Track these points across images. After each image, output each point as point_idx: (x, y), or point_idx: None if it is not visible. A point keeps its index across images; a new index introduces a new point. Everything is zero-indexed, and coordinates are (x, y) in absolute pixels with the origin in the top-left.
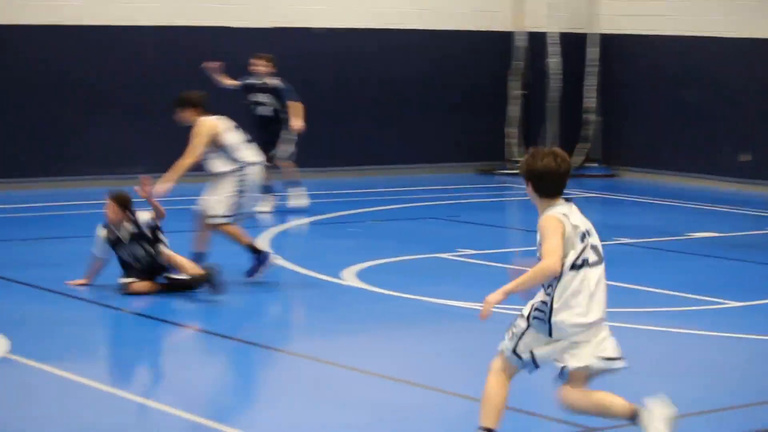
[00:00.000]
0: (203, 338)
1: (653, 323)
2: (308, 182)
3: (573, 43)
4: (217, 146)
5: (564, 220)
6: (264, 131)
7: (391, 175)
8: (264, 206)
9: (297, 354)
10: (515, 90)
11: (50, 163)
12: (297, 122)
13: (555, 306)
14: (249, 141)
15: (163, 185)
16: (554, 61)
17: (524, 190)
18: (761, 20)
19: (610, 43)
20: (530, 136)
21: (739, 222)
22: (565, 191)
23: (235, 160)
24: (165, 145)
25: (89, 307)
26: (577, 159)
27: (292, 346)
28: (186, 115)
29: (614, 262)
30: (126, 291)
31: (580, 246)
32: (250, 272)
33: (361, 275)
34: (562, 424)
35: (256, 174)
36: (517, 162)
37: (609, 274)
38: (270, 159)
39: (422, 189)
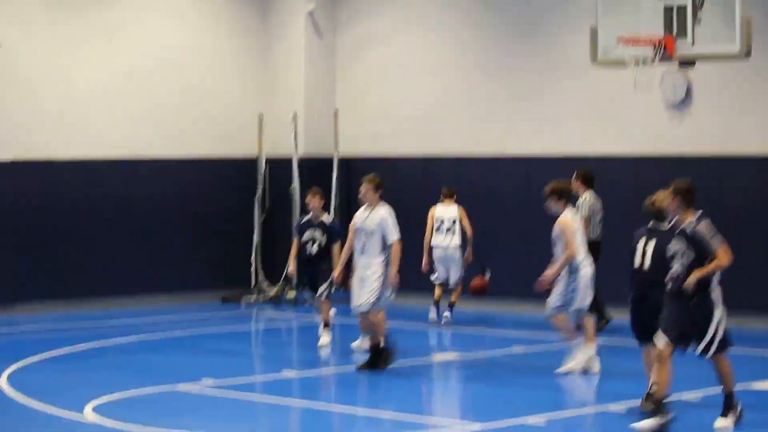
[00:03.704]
0: None
1: None
2: (51, 315)
3: (314, 167)
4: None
5: None
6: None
7: (133, 305)
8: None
9: None
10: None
11: None
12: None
13: None
14: None
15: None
16: (294, 186)
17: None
18: None
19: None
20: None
21: None
22: None
23: None
24: None
25: None
26: None
27: None
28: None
29: None
30: None
31: None
32: None
33: (101, 410)
34: None
35: None
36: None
37: None
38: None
39: (164, 319)
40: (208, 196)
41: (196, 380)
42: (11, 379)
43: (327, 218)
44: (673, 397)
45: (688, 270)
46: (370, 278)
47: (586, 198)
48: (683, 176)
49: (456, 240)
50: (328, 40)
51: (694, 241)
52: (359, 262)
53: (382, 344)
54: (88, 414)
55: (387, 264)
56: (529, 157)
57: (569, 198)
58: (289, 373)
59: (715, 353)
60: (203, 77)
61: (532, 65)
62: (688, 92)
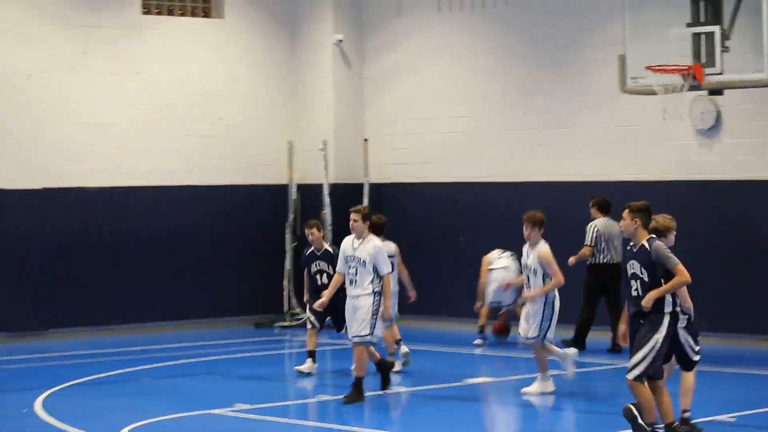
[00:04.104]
0: None
1: None
2: (84, 341)
3: (345, 193)
4: None
5: None
6: None
7: (165, 331)
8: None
9: None
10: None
11: None
12: None
13: None
14: None
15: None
16: (326, 212)
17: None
18: None
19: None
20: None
21: None
22: None
23: None
24: None
25: None
26: None
27: None
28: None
29: None
30: None
31: None
32: None
33: None
34: None
35: None
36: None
37: None
38: None
39: (197, 344)
40: (239, 223)
41: (230, 405)
42: (46, 404)
43: (330, 247)
44: (707, 419)
45: (645, 290)
46: (361, 309)
47: (596, 225)
48: (717, 201)
49: (516, 266)
50: (356, 70)
51: (652, 258)
52: (349, 292)
53: (359, 376)
54: None
55: (378, 295)
56: (557, 183)
57: (544, 228)
58: (322, 398)
59: (636, 378)
60: (233, 106)
61: (560, 93)
62: (717, 119)
